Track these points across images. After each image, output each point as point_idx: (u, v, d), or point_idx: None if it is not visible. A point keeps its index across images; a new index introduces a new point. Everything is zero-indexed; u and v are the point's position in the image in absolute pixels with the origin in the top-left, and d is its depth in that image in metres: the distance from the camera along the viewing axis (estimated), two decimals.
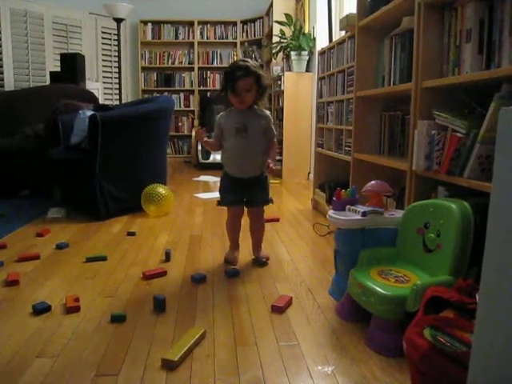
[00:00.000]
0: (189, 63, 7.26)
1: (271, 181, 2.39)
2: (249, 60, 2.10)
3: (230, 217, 2.28)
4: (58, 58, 5.24)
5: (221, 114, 2.18)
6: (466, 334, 1.07)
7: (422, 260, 1.56)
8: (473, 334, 0.89)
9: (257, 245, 2.32)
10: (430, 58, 1.88)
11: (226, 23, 7.19)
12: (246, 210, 2.28)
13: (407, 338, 1.18)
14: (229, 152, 2.14)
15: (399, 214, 1.73)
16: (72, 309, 1.68)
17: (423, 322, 1.18)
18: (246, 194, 2.18)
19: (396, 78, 2.30)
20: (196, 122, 7.07)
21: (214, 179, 5.10)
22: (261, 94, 2.09)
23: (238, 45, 7.19)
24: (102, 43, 6.67)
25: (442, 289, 1.27)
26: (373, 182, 1.85)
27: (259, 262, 2.24)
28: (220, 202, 2.23)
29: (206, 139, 2.15)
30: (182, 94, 7.31)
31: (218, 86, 7.29)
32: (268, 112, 2.18)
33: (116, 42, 6.12)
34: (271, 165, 2.09)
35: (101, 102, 5.17)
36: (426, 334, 1.13)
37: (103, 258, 2.27)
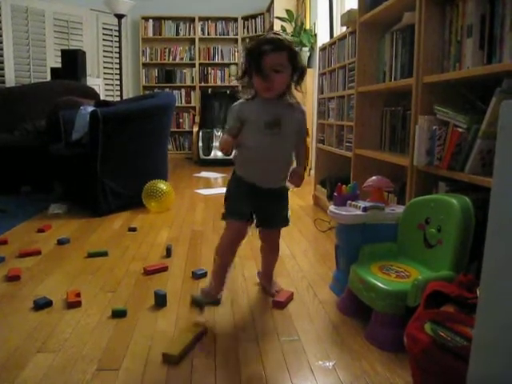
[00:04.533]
0: (190, 59, 7.25)
1: None
2: (281, 33, 1.62)
3: (228, 236, 1.67)
4: (59, 54, 5.24)
5: (239, 101, 1.64)
6: (467, 328, 1.07)
7: (423, 255, 1.56)
8: (473, 329, 0.89)
9: (268, 273, 1.87)
10: (431, 54, 1.87)
11: (226, 19, 7.17)
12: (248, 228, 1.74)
13: (408, 333, 1.18)
14: (251, 152, 1.62)
15: (400, 209, 1.73)
16: (73, 304, 1.69)
17: (424, 316, 1.18)
18: (261, 209, 1.68)
19: (397, 74, 2.30)
20: (197, 118, 7.06)
21: (214, 175, 5.09)
22: (297, 79, 1.59)
23: (239, 41, 7.18)
24: (103, 39, 6.66)
25: (442, 284, 1.27)
26: (374, 177, 1.85)
27: (271, 293, 1.81)
28: (226, 215, 1.67)
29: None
30: (183, 90, 7.30)
31: (219, 82, 7.28)
32: (303, 106, 1.71)
33: (117, 38, 6.12)
34: (301, 173, 1.66)
35: (102, 98, 5.17)
36: (427, 329, 1.13)
37: (104, 254, 2.27)
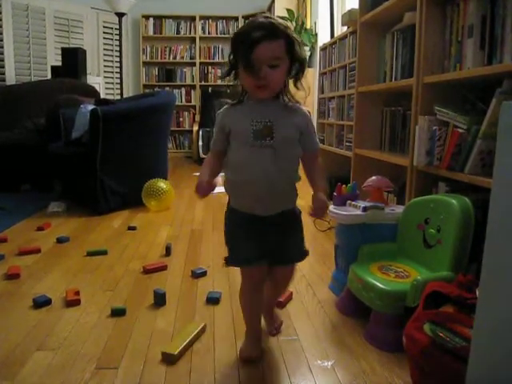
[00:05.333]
0: (190, 58, 7.24)
1: None
2: (274, 17, 1.23)
3: (246, 285, 1.35)
4: (60, 52, 5.24)
5: (224, 107, 1.31)
6: (466, 328, 1.07)
7: (422, 255, 1.56)
8: (472, 329, 0.89)
9: (271, 304, 1.51)
10: (432, 54, 1.88)
11: (227, 18, 7.17)
12: None
13: (407, 333, 1.18)
14: (239, 173, 1.25)
15: (400, 209, 1.73)
16: (72, 302, 1.69)
17: (423, 316, 1.18)
18: (270, 241, 1.30)
19: (397, 74, 2.30)
20: (197, 117, 7.06)
21: None
22: (295, 74, 1.24)
23: None
24: (104, 38, 6.65)
25: (441, 284, 1.27)
26: (373, 177, 1.85)
27: (270, 331, 1.49)
28: (229, 259, 1.33)
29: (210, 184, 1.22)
30: (183, 89, 7.29)
31: (219, 82, 7.27)
32: (304, 108, 1.30)
33: (117, 37, 6.11)
34: (323, 200, 1.24)
35: (102, 96, 5.17)
36: (426, 329, 1.13)
37: (104, 252, 2.27)
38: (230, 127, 1.25)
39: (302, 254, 1.37)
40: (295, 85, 1.26)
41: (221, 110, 1.31)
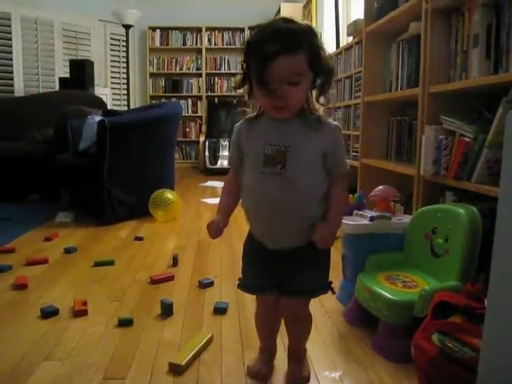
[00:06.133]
0: (196, 69, 7.29)
1: None
2: (294, 19, 1.03)
3: (259, 309, 1.29)
4: (68, 64, 5.30)
5: (241, 122, 1.17)
6: (475, 339, 1.06)
7: (430, 265, 1.55)
8: (481, 339, 0.88)
9: (294, 352, 1.31)
10: (438, 63, 1.88)
11: (233, 29, 7.22)
12: None
13: (415, 344, 1.17)
14: (247, 197, 1.15)
15: (407, 218, 1.72)
16: (80, 312, 1.69)
17: (431, 327, 1.17)
18: (282, 273, 1.18)
19: (403, 83, 2.31)
20: (204, 128, 7.09)
21: (221, 184, 5.05)
22: (321, 87, 1.07)
23: None
24: (111, 49, 6.72)
25: (449, 294, 1.26)
26: (380, 186, 1.85)
27: (291, 376, 1.28)
28: (241, 284, 1.26)
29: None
30: (189, 100, 7.34)
31: (226, 92, 7.32)
32: (334, 122, 1.14)
33: (124, 48, 6.17)
34: (327, 231, 1.09)
35: (109, 107, 5.21)
36: (434, 340, 1.12)
37: (111, 263, 2.28)
38: (243, 146, 1.13)
39: (315, 289, 1.21)
40: (318, 100, 1.08)
41: (238, 124, 1.17)
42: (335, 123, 1.12)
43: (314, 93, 1.08)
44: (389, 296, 1.42)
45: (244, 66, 1.06)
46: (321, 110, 1.10)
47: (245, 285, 1.24)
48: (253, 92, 1.06)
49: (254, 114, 1.13)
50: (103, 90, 5.95)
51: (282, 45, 0.96)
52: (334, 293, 1.24)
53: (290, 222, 1.09)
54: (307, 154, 1.06)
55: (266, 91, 0.99)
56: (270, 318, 1.28)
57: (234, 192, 1.18)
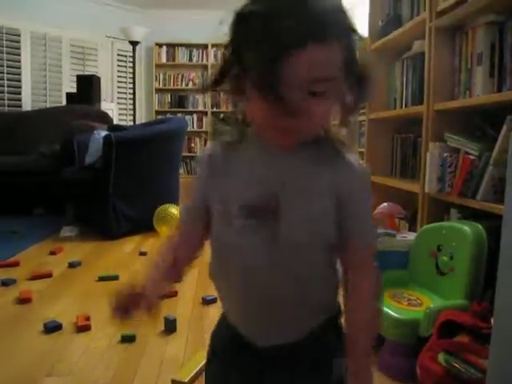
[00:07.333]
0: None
1: None
2: None
3: None
4: (75, 79, 5.36)
5: (212, 146, 0.77)
6: (481, 359, 1.05)
7: (435, 283, 1.54)
8: (487, 360, 0.87)
9: None
10: (442, 81, 1.89)
11: None
12: None
13: (421, 363, 1.16)
14: (219, 265, 0.84)
15: (411, 236, 1.71)
16: (83, 328, 1.69)
17: (437, 346, 1.16)
18: None
19: (408, 101, 2.32)
20: (209, 143, 7.12)
21: None
22: (355, 103, 0.65)
23: None
24: (118, 65, 6.79)
25: (455, 313, 1.25)
26: (385, 204, 1.84)
27: None
28: None
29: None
30: (195, 116, 7.39)
31: (230, 108, 7.34)
32: (358, 161, 0.68)
33: (131, 64, 6.23)
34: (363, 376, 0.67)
35: (115, 122, 5.25)
36: (440, 359, 1.11)
37: (115, 278, 2.27)
38: (216, 186, 0.71)
39: None
40: (344, 121, 0.67)
41: (207, 149, 0.77)
42: (364, 165, 0.69)
43: (339, 109, 0.65)
44: (394, 314, 1.41)
45: (230, 50, 0.66)
46: (342, 136, 0.67)
47: None
48: (244, 93, 0.64)
49: (232, 139, 0.72)
50: (109, 105, 6.00)
51: (311, 27, 0.55)
52: None
53: (280, 304, 0.69)
54: (313, 200, 0.65)
55: (273, 102, 0.56)
56: None
57: (179, 254, 0.82)
